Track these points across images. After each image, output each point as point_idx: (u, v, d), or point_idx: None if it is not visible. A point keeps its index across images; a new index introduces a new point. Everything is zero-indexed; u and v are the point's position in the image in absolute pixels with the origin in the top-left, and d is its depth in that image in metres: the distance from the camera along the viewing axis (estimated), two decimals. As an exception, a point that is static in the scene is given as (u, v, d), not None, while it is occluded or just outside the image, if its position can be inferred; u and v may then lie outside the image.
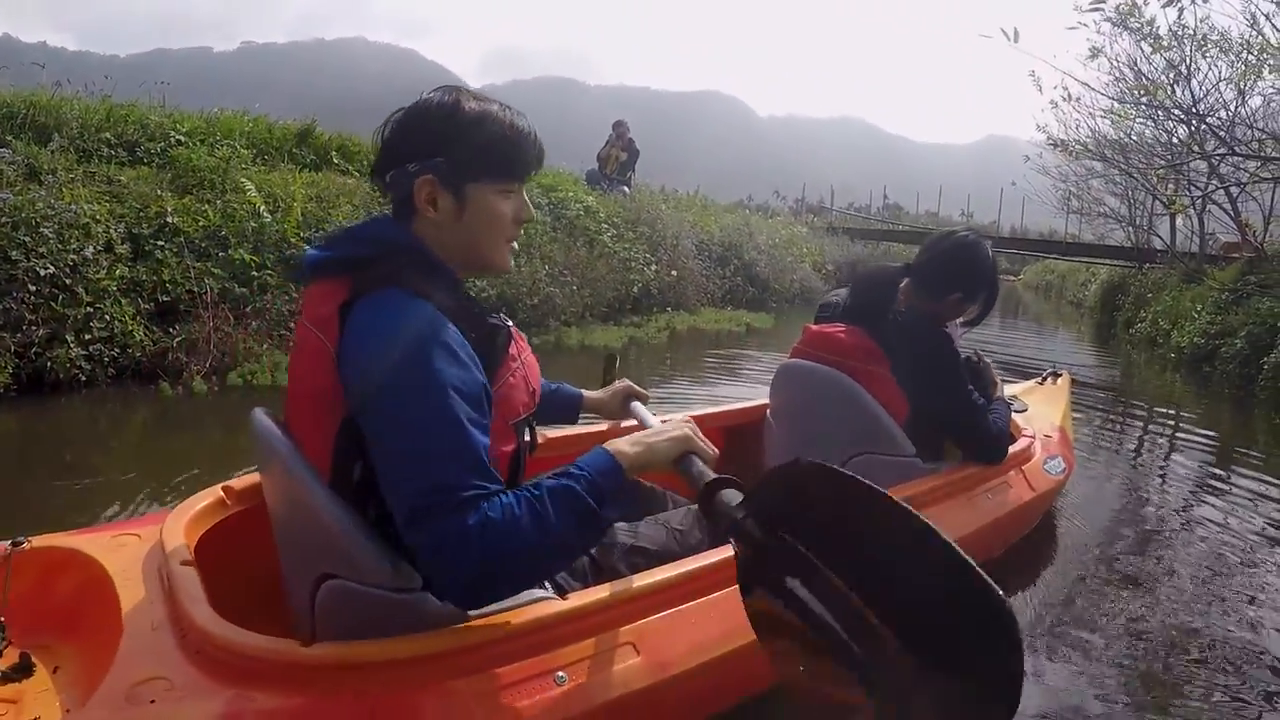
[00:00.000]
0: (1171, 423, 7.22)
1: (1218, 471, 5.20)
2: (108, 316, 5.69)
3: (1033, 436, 3.43)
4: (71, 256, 5.61)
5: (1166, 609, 3.07)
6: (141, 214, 6.40)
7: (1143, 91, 10.66)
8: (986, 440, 2.95)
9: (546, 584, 1.81)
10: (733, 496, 1.59)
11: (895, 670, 1.28)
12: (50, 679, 1.54)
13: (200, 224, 6.62)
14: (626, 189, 14.37)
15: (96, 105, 7.81)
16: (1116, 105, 11.82)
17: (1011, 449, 3.14)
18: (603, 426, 2.93)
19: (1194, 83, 10.46)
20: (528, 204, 1.74)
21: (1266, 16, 8.66)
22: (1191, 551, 3.69)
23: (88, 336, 5.55)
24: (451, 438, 1.44)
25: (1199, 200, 13.04)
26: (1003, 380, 3.33)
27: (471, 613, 1.60)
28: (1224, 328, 9.45)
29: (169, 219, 6.44)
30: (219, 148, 7.88)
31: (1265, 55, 8.82)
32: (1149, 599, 3.18)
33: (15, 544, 1.59)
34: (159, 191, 6.68)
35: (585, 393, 2.55)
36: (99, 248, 5.83)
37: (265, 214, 7.03)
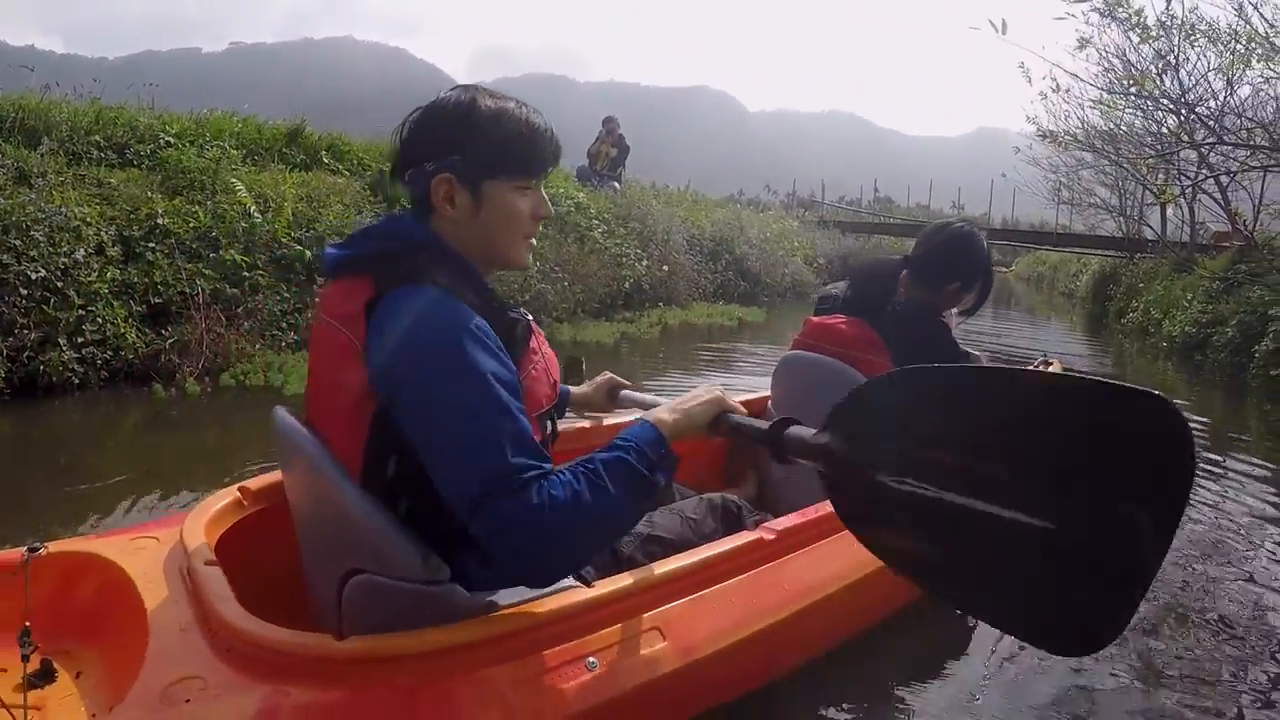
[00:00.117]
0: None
1: (1212, 457, 5.22)
2: (100, 319, 5.68)
3: None
4: (63, 259, 5.59)
5: (1164, 591, 3.08)
6: (132, 216, 6.39)
7: (1131, 82, 10.68)
8: None
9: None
10: (803, 430, 1.69)
11: (1060, 516, 1.26)
12: (73, 684, 1.54)
13: (191, 225, 6.61)
14: (617, 185, 14.37)
15: (85, 108, 7.78)
16: (1105, 96, 11.85)
17: None
18: (626, 418, 2.96)
19: (1182, 72, 10.49)
20: (545, 200, 1.75)
21: (1254, 5, 8.68)
22: (1187, 534, 3.71)
23: (80, 339, 5.53)
24: (503, 423, 1.47)
25: (1189, 190, 13.07)
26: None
27: (500, 602, 1.62)
28: (1215, 316, 9.47)
29: (159, 221, 6.42)
30: (209, 149, 7.85)
31: (1254, 44, 8.83)
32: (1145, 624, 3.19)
33: (31, 550, 1.60)
34: (149, 193, 6.67)
35: (571, 389, 2.57)
36: (90, 250, 5.81)
37: (256, 214, 7.02)
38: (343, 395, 1.56)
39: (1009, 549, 1.31)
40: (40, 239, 5.52)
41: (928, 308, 2.98)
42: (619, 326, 10.06)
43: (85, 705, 1.49)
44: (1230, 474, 4.79)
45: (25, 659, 1.45)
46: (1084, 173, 17.31)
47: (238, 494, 2.09)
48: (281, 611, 1.60)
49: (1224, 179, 11.90)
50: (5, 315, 5.22)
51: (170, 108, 9.12)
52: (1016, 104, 15.92)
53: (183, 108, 9.42)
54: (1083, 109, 13.76)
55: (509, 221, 1.69)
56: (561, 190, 11.79)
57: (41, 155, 6.39)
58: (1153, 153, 11.98)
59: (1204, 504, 4.09)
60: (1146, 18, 9.51)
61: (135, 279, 6.06)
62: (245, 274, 6.66)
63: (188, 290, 6.24)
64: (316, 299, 1.64)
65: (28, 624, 1.45)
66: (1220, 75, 10.21)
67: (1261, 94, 10.40)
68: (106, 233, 6.08)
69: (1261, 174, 10.89)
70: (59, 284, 5.53)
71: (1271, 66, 9.04)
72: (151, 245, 6.28)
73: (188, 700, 1.39)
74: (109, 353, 5.68)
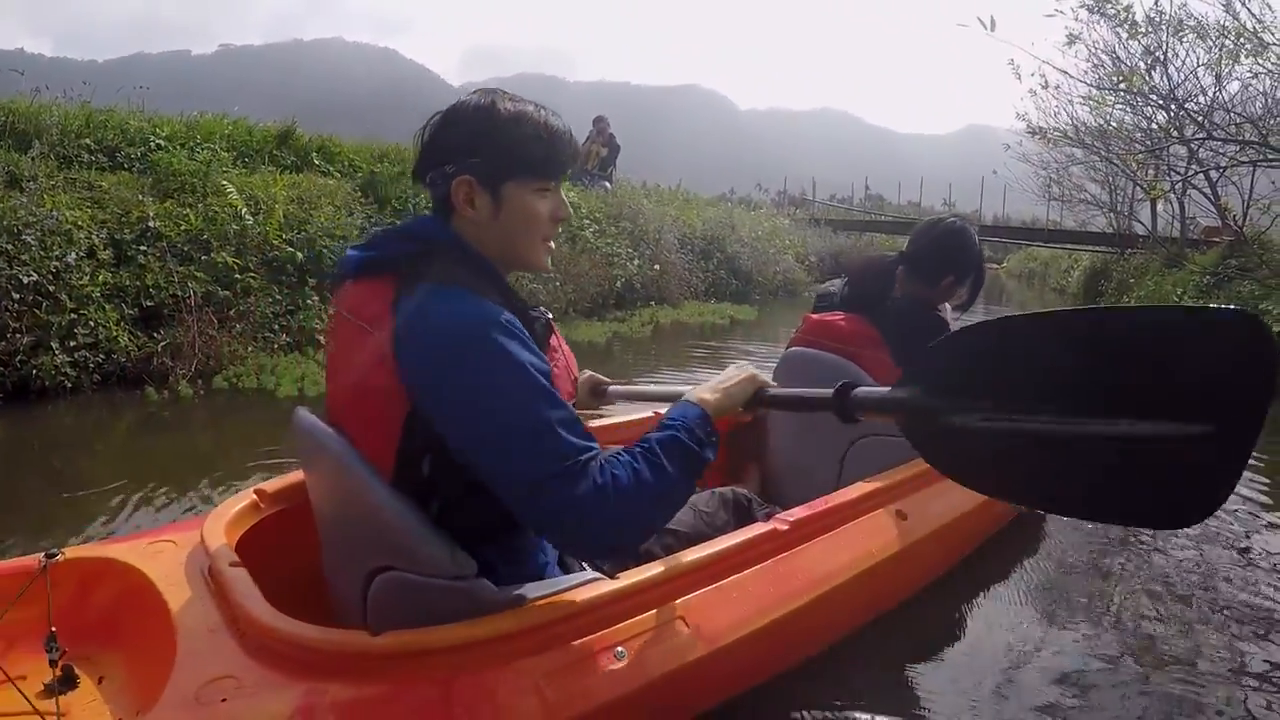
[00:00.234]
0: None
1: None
2: (92, 322, 5.67)
3: None
4: (54, 263, 5.59)
5: (1155, 586, 3.10)
6: (123, 219, 6.38)
7: (1120, 78, 10.71)
8: None
9: (584, 565, 1.88)
10: (872, 389, 1.82)
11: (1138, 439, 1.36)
12: (96, 689, 1.55)
13: (182, 228, 6.60)
14: (608, 184, 14.38)
15: (76, 111, 7.77)
16: (1095, 92, 11.88)
17: None
18: (648, 413, 3.12)
19: (1171, 68, 10.52)
20: (565, 202, 1.77)
21: (1242, 1, 8.71)
22: (1176, 532, 3.72)
23: (72, 343, 5.53)
24: (551, 409, 1.51)
25: (1179, 185, 13.11)
26: None
27: (528, 596, 1.65)
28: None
29: (151, 224, 6.41)
30: (199, 151, 7.85)
31: (1243, 40, 8.86)
32: (1139, 575, 3.22)
33: (49, 556, 1.60)
34: (140, 196, 6.66)
35: None
36: (81, 254, 5.80)
37: (247, 217, 7.00)
38: (372, 395, 1.57)
39: (1104, 455, 1.40)
40: (32, 243, 5.52)
41: (925, 302, 3.04)
42: (611, 326, 10.05)
43: (110, 710, 1.50)
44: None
45: (54, 664, 1.45)
46: (1074, 169, 17.37)
47: (254, 496, 2.10)
48: (300, 611, 1.62)
49: (1214, 174, 11.94)
50: (-3, 319, 5.20)
51: (160, 110, 9.10)
52: (1007, 101, 15.97)
53: (173, 110, 9.40)
54: (1072, 105, 13.82)
55: (528, 223, 1.70)
56: (552, 190, 11.76)
57: (32, 159, 6.39)
58: (1142, 148, 12.01)
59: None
60: (1135, 14, 9.54)
61: (127, 282, 6.06)
62: (237, 276, 6.65)
63: (180, 293, 6.23)
64: (332, 300, 1.66)
65: (54, 629, 1.46)
66: (1209, 71, 10.25)
67: (1250, 89, 10.43)
68: (98, 236, 6.07)
69: (1251, 169, 10.92)
70: (51, 288, 5.53)
71: (1260, 62, 9.07)
72: (143, 248, 6.28)
73: (223, 700, 1.40)
74: (101, 356, 5.67)
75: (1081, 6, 9.06)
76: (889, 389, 1.74)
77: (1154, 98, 10.80)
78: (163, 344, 5.93)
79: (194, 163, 7.39)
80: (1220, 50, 9.56)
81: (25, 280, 5.36)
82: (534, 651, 1.61)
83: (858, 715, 2.23)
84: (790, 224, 21.02)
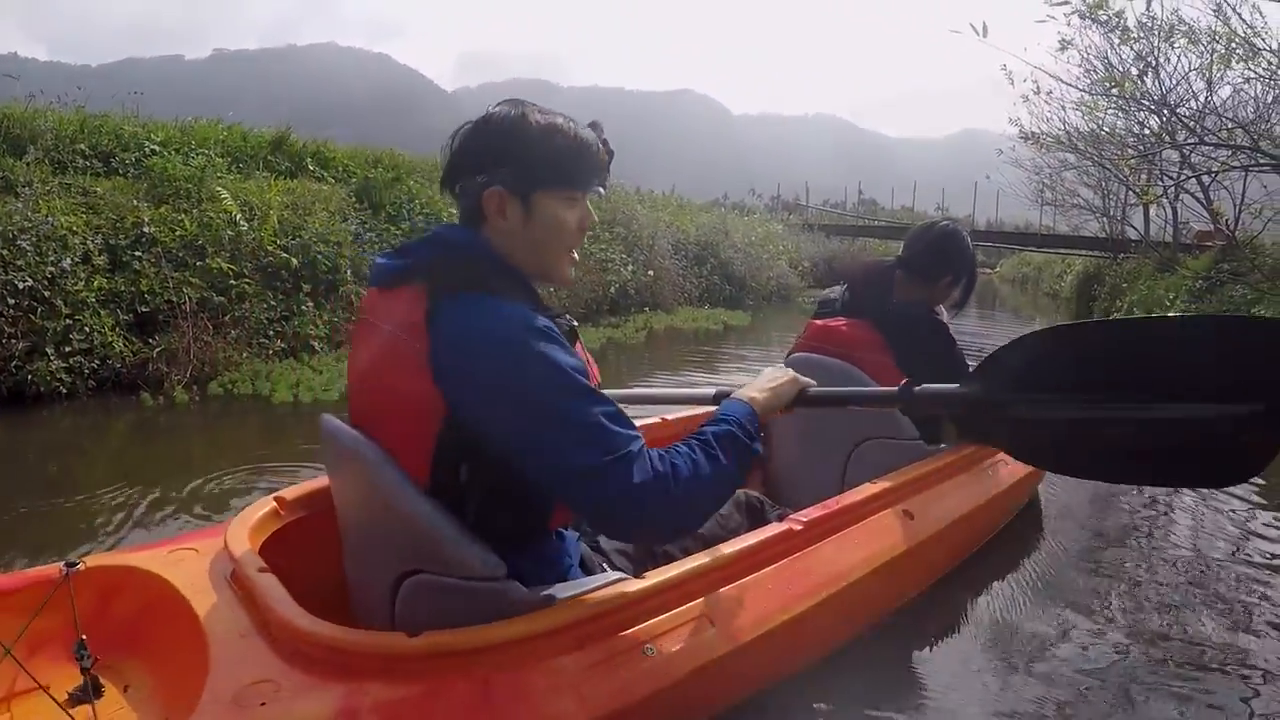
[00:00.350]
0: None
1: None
2: (87, 328, 5.68)
3: None
4: (49, 269, 5.59)
5: (1142, 599, 3.12)
6: (118, 225, 6.38)
7: (1112, 83, 10.74)
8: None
9: (605, 567, 1.94)
10: (938, 387, 2.10)
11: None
12: (122, 698, 1.55)
13: (177, 234, 6.60)
14: (601, 190, 14.38)
15: (70, 116, 7.77)
16: (1087, 97, 11.92)
17: None
18: (654, 419, 3.15)
19: (1163, 74, 10.55)
20: (591, 211, 1.80)
21: (1233, 8, 8.74)
22: (1173, 530, 3.75)
23: (67, 348, 5.53)
24: (598, 405, 1.56)
25: (1171, 190, 13.15)
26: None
27: (557, 595, 1.68)
28: (1198, 315, 9.53)
29: (146, 229, 6.42)
30: (194, 157, 7.86)
31: (1234, 45, 8.89)
32: (1138, 572, 3.27)
33: (69, 565, 1.60)
34: (135, 202, 6.65)
35: None
36: (76, 259, 5.81)
37: (242, 222, 7.00)
38: (406, 402, 1.59)
39: (1162, 433, 1.73)
40: (27, 248, 5.52)
41: (924, 305, 3.13)
42: (605, 332, 10.07)
43: (140, 718, 1.50)
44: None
45: (86, 671, 1.46)
46: (1067, 174, 17.41)
47: (274, 504, 2.12)
48: (321, 615, 1.63)
49: (1206, 179, 11.98)
50: (-8, 325, 5.20)
51: (154, 115, 9.10)
52: (1000, 106, 16.01)
53: (167, 115, 9.40)
54: (1065, 110, 13.86)
55: (557, 232, 1.73)
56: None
57: (27, 164, 6.39)
58: (1135, 153, 12.05)
59: (1191, 499, 4.12)
60: (1127, 19, 9.56)
61: (122, 288, 6.06)
62: (232, 282, 6.65)
63: (174, 299, 6.23)
64: (360, 307, 1.68)
65: (84, 637, 1.46)
66: (1200, 76, 10.29)
67: (1242, 94, 10.48)
68: (93, 242, 6.08)
69: (1243, 174, 10.96)
70: (46, 293, 5.54)
71: (1251, 67, 9.11)
72: (138, 254, 6.28)
73: (262, 704, 1.41)
74: (96, 362, 5.67)
75: (1074, 13, 9.06)
76: (953, 386, 2.06)
77: (1146, 103, 10.84)
78: (158, 350, 5.94)
79: (189, 168, 7.39)
80: (1212, 55, 9.60)
81: (20, 286, 5.37)
82: (567, 650, 1.64)
83: (877, 708, 2.29)
84: (783, 229, 21.08)
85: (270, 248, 7.09)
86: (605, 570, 1.89)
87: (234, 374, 6.13)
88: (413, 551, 1.61)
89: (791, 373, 2.08)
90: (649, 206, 15.58)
